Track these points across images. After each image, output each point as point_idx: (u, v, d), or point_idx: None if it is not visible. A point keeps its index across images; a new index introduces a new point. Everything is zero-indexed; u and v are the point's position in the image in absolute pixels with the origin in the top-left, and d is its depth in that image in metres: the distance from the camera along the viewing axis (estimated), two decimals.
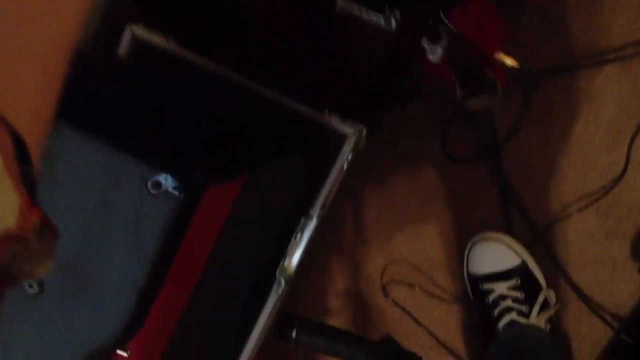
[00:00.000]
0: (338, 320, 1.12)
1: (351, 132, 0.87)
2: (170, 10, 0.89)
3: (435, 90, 1.08)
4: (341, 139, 0.87)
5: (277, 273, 0.83)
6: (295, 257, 0.83)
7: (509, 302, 0.99)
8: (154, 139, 0.60)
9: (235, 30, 0.92)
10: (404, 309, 1.10)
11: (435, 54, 0.79)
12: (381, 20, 0.82)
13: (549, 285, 1.04)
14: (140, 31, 0.83)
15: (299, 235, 0.83)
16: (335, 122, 0.87)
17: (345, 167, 0.87)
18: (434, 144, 1.09)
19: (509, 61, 0.81)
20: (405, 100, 1.11)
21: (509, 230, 1.07)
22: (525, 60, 0.97)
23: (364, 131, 0.89)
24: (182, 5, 0.89)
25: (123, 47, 0.82)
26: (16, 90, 0.33)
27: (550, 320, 1.01)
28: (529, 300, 1.00)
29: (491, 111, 1.10)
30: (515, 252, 1.04)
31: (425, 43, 0.79)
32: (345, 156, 0.87)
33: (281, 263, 0.83)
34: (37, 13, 0.34)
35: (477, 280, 1.03)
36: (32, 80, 0.34)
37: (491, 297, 1.01)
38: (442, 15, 0.73)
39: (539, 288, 1.02)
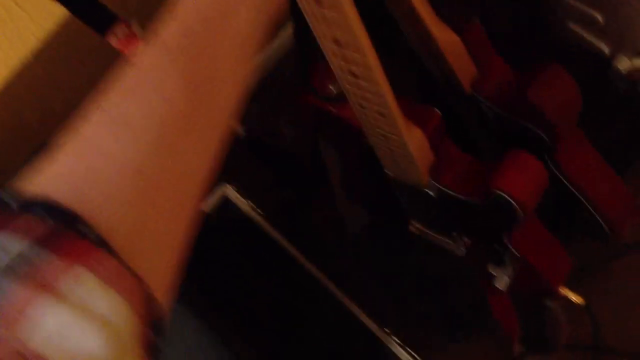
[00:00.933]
0: None
1: None
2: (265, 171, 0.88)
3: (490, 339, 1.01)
4: None
5: None
6: None
7: None
8: None
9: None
10: None
11: (502, 280, 0.77)
12: (450, 244, 0.80)
13: None
14: (231, 192, 0.81)
15: None
16: (395, 348, 0.81)
17: None
18: None
19: (574, 297, 0.77)
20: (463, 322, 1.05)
21: None
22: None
23: None
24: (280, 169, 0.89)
25: (211, 203, 0.80)
26: (154, 243, 0.31)
27: None
28: None
29: None
30: None
31: (492, 269, 0.76)
32: None
33: None
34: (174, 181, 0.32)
35: None
36: (170, 229, 0.32)
37: None
38: (505, 239, 0.71)
39: None
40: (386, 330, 0.82)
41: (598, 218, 0.80)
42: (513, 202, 0.55)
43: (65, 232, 0.26)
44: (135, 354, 0.27)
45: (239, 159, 0.91)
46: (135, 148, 0.30)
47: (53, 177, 0.28)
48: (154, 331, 0.29)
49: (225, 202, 0.81)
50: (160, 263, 0.31)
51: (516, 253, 0.69)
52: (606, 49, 0.83)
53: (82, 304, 0.25)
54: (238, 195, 0.81)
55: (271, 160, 0.87)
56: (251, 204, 0.81)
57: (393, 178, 0.64)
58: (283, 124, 0.92)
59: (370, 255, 0.90)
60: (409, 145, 0.54)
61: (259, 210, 0.81)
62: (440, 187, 0.59)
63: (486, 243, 0.72)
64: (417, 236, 0.75)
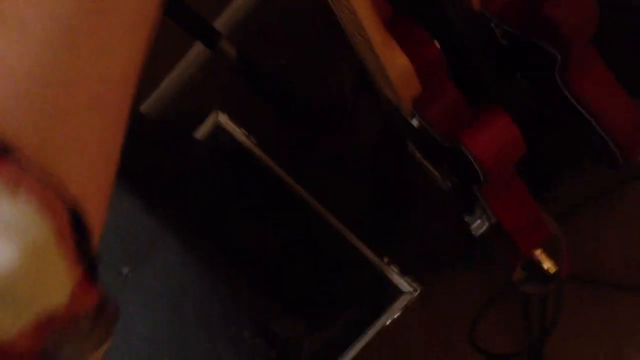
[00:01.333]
0: None
1: (408, 290, 0.80)
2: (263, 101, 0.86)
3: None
4: (394, 292, 0.80)
5: None
6: None
7: None
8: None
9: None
10: None
11: (474, 226, 0.76)
12: (439, 177, 0.78)
13: None
14: (224, 119, 0.79)
15: None
16: (394, 275, 0.80)
17: (388, 323, 0.80)
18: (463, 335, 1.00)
19: (547, 263, 0.76)
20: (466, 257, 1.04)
21: None
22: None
23: (419, 291, 0.82)
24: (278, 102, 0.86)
25: (203, 130, 0.78)
26: (71, 145, 0.29)
27: None
28: None
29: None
30: None
31: (465, 217, 0.75)
32: (394, 313, 0.80)
33: None
34: (91, 52, 0.29)
35: None
36: (89, 131, 0.30)
37: None
38: (476, 191, 0.68)
39: None
40: (385, 259, 0.81)
41: (610, 142, 0.76)
42: (476, 164, 0.52)
43: None
44: (61, 257, 0.26)
45: (231, 86, 0.89)
46: (32, 50, 0.28)
47: None
48: (79, 235, 0.27)
49: (217, 129, 0.79)
50: (81, 164, 0.29)
51: (485, 205, 0.66)
52: None
53: None
54: (231, 123, 0.79)
55: (265, 89, 0.85)
56: (244, 131, 0.79)
57: (383, 98, 0.62)
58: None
59: (370, 185, 0.88)
60: (388, 70, 0.51)
61: (252, 138, 0.79)
62: (421, 119, 0.56)
63: (461, 187, 0.69)
64: (413, 158, 0.73)
